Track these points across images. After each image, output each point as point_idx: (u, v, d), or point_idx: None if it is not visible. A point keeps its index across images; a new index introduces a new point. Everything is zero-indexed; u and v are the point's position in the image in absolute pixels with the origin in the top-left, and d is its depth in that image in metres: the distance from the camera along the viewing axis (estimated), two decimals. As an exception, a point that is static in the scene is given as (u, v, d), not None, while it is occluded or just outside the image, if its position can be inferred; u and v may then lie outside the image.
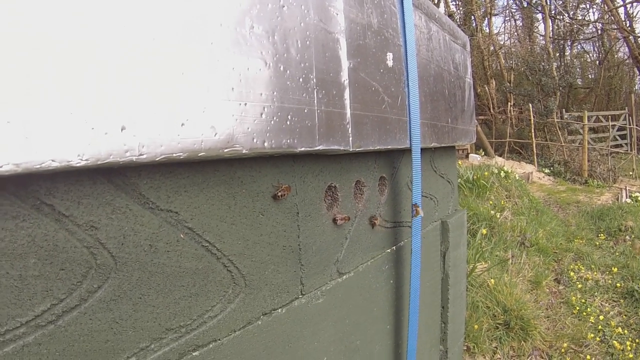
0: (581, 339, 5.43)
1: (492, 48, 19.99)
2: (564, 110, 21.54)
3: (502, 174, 10.75)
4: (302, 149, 0.98)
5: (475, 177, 9.72)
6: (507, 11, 27.78)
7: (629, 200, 13.92)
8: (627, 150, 21.99)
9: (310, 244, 1.12)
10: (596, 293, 6.83)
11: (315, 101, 0.96)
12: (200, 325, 0.91)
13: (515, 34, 27.23)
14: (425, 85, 1.41)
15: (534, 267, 7.04)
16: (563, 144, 17.89)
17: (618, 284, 6.99)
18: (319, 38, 0.99)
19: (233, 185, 0.96)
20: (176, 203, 0.85)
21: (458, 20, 22.14)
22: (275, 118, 0.89)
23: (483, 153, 17.22)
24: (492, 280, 5.54)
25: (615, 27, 26.57)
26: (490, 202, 9.28)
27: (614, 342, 5.34)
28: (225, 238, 0.95)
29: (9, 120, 0.56)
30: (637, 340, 5.46)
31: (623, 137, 23.74)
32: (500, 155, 17.72)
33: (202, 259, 0.89)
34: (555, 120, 18.65)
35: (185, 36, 0.77)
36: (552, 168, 17.04)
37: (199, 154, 0.79)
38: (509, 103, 19.44)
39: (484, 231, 6.94)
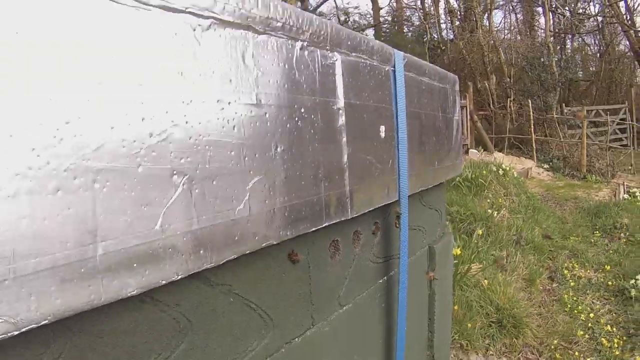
0: (571, 336, 5.71)
1: (492, 42, 20.17)
2: (563, 104, 21.78)
3: (501, 171, 10.99)
4: (314, 228, 1.26)
5: (473, 175, 9.97)
6: (508, 5, 27.89)
7: (626, 196, 14.16)
8: (626, 144, 22.27)
9: (318, 288, 1.40)
10: (588, 291, 7.11)
11: (322, 190, 1.24)
12: (244, 357, 1.22)
13: (516, 28, 27.37)
14: (414, 137, 1.69)
15: (529, 266, 7.30)
16: (562, 140, 18.13)
17: (610, 283, 7.26)
18: (325, 138, 1.27)
19: (267, 259, 1.26)
20: (227, 278, 1.15)
21: (459, 16, 22.36)
22: (295, 212, 1.18)
23: (482, 149, 17.45)
24: (486, 280, 5.83)
25: (616, 21, 26.80)
26: (488, 201, 9.53)
27: (603, 339, 5.61)
28: (260, 295, 1.24)
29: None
30: (624, 338, 5.73)
31: (623, 130, 23.98)
32: (500, 151, 17.98)
33: (245, 313, 1.19)
34: (555, 116, 18.87)
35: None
36: (551, 163, 17.31)
37: (247, 251, 1.09)
38: (509, 98, 19.65)
39: (480, 232, 7.20)
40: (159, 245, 0.87)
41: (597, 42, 31.93)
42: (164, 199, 0.88)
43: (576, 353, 5.37)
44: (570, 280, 7.37)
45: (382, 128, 1.46)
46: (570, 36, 29.41)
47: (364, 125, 1.38)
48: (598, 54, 31.19)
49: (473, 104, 18.13)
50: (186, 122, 0.93)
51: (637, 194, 14.41)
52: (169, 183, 0.90)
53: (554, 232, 9.41)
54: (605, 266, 7.90)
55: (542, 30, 24.27)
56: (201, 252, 0.96)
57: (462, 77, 21.36)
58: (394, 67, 1.53)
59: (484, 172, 10.27)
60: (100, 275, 0.80)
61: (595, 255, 8.53)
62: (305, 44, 1.22)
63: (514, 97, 20.00)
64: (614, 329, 5.96)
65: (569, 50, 28.81)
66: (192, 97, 0.94)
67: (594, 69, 31.67)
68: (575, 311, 6.37)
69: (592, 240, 9.48)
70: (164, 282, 0.89)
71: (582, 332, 5.80)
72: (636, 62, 29.13)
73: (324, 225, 1.27)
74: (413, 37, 24.52)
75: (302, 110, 1.20)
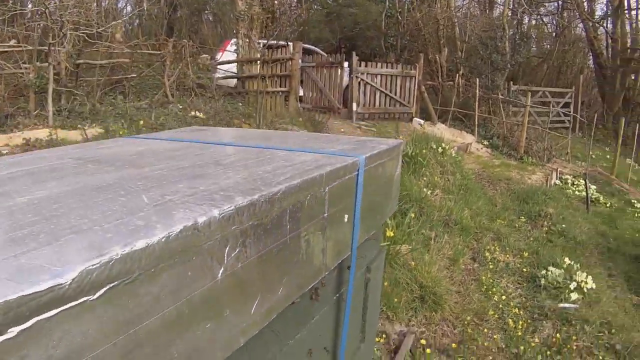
0: (483, 314, 6.61)
1: (449, 17, 20.93)
2: (511, 82, 22.75)
3: (440, 149, 11.75)
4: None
5: (413, 153, 10.72)
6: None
7: (558, 182, 15.25)
8: (568, 127, 23.44)
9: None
10: (504, 275, 8.02)
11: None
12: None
13: (474, 3, 28.05)
14: (365, 207, 2.47)
15: (454, 246, 8.15)
16: (504, 120, 19.10)
17: (524, 269, 8.21)
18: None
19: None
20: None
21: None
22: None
23: (426, 120, 18.32)
24: (413, 262, 6.68)
25: (575, 9, 27.91)
26: (425, 179, 10.28)
27: (510, 320, 6.53)
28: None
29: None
30: (528, 321, 6.69)
31: (568, 114, 25.17)
32: (443, 122, 18.87)
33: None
34: (500, 96, 19.83)
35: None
36: (491, 140, 18.24)
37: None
38: (458, 73, 20.50)
39: (413, 215, 7.96)
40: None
41: (554, 22, 32.98)
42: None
43: (485, 329, 6.27)
44: (490, 263, 8.21)
45: (346, 217, 2.25)
46: (528, 15, 30.43)
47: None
48: (554, 34, 32.20)
49: (422, 74, 18.91)
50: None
51: (569, 180, 15.54)
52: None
53: (482, 214, 10.23)
54: (524, 252, 8.83)
55: (501, 6, 25.09)
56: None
57: (415, 47, 22.22)
58: (358, 171, 2.30)
59: (424, 150, 10.98)
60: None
61: (516, 241, 9.42)
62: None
63: (463, 72, 20.85)
64: (521, 312, 6.90)
65: (525, 27, 29.67)
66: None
67: (548, 46, 32.70)
68: (490, 292, 7.23)
69: (517, 226, 10.37)
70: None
71: (493, 312, 6.69)
72: (590, 51, 30.40)
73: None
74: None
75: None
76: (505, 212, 10.98)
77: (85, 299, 0.99)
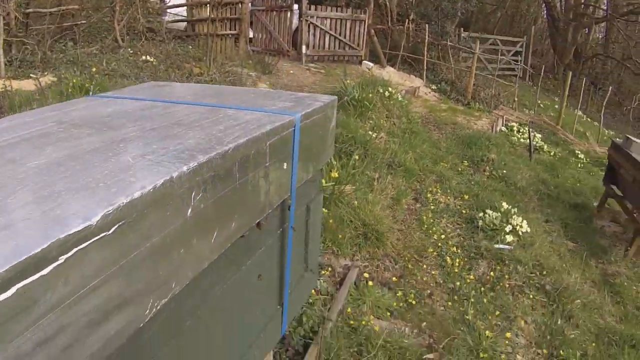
0: (423, 252, 6.96)
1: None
2: (462, 29, 23.11)
3: (387, 93, 11.99)
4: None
5: (360, 97, 10.95)
6: None
7: (504, 129, 15.71)
8: (516, 75, 23.99)
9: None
10: (444, 215, 8.37)
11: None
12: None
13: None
14: (302, 157, 2.83)
15: (397, 187, 8.47)
16: (453, 66, 19.47)
17: (464, 211, 8.58)
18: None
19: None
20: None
21: None
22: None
23: (374, 63, 18.60)
24: (356, 201, 6.99)
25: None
26: (371, 122, 10.54)
27: (447, 257, 6.91)
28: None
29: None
30: (465, 260, 7.08)
31: (517, 61, 25.75)
32: (392, 66, 19.20)
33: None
34: (449, 44, 20.17)
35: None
36: (439, 85, 18.66)
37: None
38: (408, 18, 20.70)
39: (357, 157, 8.24)
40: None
41: None
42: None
43: (424, 266, 6.64)
44: (431, 204, 8.57)
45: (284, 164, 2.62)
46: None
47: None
48: None
49: (372, 18, 19.13)
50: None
51: (515, 128, 16.02)
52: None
53: (426, 157, 10.55)
54: (464, 195, 9.21)
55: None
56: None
57: (365, -10, 22.32)
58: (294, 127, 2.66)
59: (370, 94, 11.19)
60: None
61: (458, 184, 9.77)
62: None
63: (414, 17, 21.05)
64: (459, 250, 7.27)
65: None
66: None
67: None
68: (430, 231, 7.58)
69: (460, 169, 10.73)
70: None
71: (432, 250, 7.05)
72: (543, 4, 30.88)
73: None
74: None
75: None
76: (449, 156, 11.32)
77: (104, 234, 1.43)
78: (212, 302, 2.31)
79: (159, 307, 1.76)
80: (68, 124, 2.38)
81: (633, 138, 9.85)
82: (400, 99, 12.63)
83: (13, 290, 1.18)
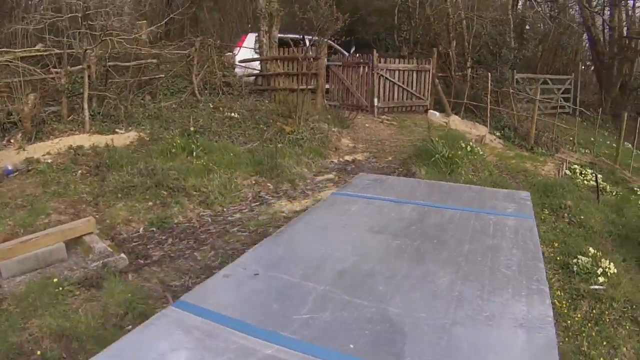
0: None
1: (459, 14, 22.64)
2: (514, 70, 24.67)
3: (469, 148, 13.48)
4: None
5: (449, 154, 12.41)
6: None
7: (568, 172, 17.21)
8: (568, 112, 25.45)
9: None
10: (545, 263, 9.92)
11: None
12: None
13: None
14: None
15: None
16: (515, 113, 20.97)
17: (558, 257, 10.05)
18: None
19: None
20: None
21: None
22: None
23: (438, 114, 20.24)
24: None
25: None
26: (462, 179, 11.89)
27: (555, 300, 8.34)
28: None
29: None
30: (569, 301, 8.67)
31: (567, 99, 27.29)
32: (456, 114, 20.76)
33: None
34: (510, 90, 21.73)
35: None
36: (502, 131, 20.09)
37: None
38: (468, 65, 22.36)
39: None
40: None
41: (549, 4, 34.27)
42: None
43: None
44: (528, 253, 10.12)
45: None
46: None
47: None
48: (549, 14, 33.53)
49: (435, 67, 20.83)
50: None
51: (577, 170, 17.55)
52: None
53: None
54: (554, 243, 10.64)
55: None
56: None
57: (427, 41, 24.16)
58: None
59: (459, 152, 12.73)
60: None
61: (545, 232, 11.11)
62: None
63: (472, 64, 22.70)
64: (562, 293, 8.78)
65: (520, 9, 31.20)
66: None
67: (542, 27, 34.06)
68: (534, 278, 9.19)
69: (542, 218, 12.05)
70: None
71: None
72: (585, 35, 32.34)
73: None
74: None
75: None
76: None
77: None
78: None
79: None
80: (378, 231, 3.86)
81: None
82: (480, 152, 14.12)
83: None
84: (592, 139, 22.11)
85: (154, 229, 9.21)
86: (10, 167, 11.01)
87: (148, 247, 8.58)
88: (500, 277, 3.29)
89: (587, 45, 34.13)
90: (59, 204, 9.71)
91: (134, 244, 8.69)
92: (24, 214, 9.21)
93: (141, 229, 9.19)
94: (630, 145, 22.20)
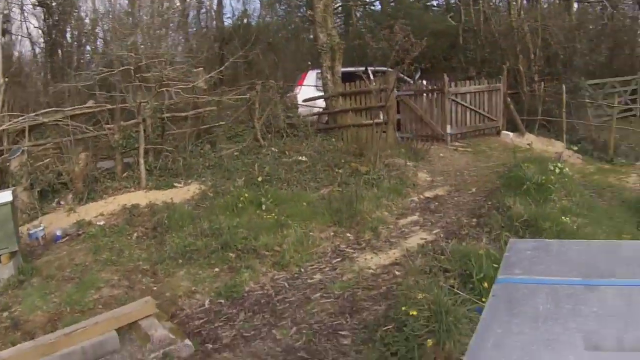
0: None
1: (521, 27, 21.40)
2: (582, 78, 23.20)
3: (557, 169, 12.11)
4: None
5: (540, 180, 11.13)
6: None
7: (654, 182, 15.69)
8: (635, 114, 23.92)
9: None
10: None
11: None
12: None
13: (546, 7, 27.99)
14: None
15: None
16: (592, 123, 19.58)
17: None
18: None
19: None
20: None
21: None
22: None
23: (512, 134, 18.87)
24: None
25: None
26: (558, 205, 10.55)
27: None
28: None
29: None
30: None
31: (634, 101, 25.58)
32: (530, 132, 19.40)
33: None
34: (587, 100, 20.33)
35: None
36: (579, 145, 18.65)
37: None
38: (537, 79, 21.00)
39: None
40: None
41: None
42: None
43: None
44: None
45: None
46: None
47: None
48: (602, 12, 31.77)
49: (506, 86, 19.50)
50: None
51: (660, 178, 16.02)
52: None
53: (611, 232, 10.43)
54: None
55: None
56: None
57: (494, 58, 22.84)
58: None
59: (552, 177, 11.38)
60: None
61: None
62: None
63: (542, 77, 21.34)
64: None
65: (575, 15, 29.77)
66: None
67: (595, 27, 32.32)
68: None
69: None
70: None
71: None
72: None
73: None
74: (438, 13, 25.73)
75: None
76: (624, 225, 11.13)
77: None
78: None
79: None
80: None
81: None
82: (570, 172, 12.81)
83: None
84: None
85: (222, 301, 7.84)
86: (59, 233, 10.30)
87: (216, 325, 7.21)
88: None
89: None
90: (111, 275, 8.66)
91: (199, 321, 7.35)
92: (71, 287, 8.23)
93: (207, 301, 7.89)
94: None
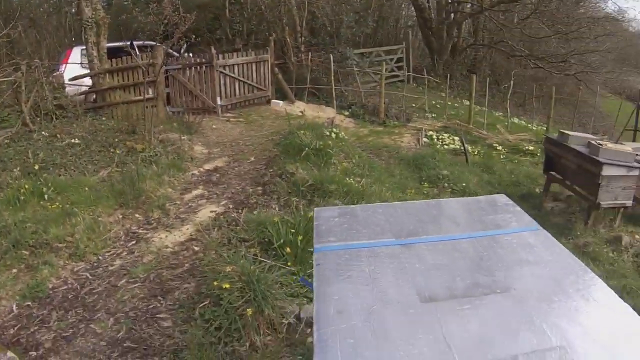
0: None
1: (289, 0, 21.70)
2: (349, 48, 24.10)
3: (333, 134, 12.55)
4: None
5: (319, 145, 11.36)
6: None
7: (426, 140, 16.73)
8: (402, 80, 25.29)
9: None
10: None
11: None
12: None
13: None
14: None
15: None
16: (362, 90, 20.44)
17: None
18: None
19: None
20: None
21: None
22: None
23: (281, 102, 19.36)
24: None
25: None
26: (339, 168, 10.90)
27: None
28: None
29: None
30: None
31: (400, 67, 27.15)
32: (299, 100, 20.01)
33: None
34: (355, 69, 21.15)
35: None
36: (350, 110, 19.56)
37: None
38: (303, 50, 21.55)
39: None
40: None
41: None
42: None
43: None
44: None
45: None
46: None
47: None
48: None
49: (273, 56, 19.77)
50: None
51: (434, 137, 17.12)
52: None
53: (394, 188, 11.02)
54: None
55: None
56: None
57: (261, 30, 23.14)
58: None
59: (329, 142, 11.71)
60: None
61: None
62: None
63: (309, 48, 21.91)
64: None
65: None
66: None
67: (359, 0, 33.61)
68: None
69: (425, 192, 11.44)
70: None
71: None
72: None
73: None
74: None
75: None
76: (407, 181, 12.07)
77: None
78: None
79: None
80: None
81: (567, 131, 11.20)
82: (346, 137, 13.23)
83: None
84: (432, 102, 22.10)
85: (29, 303, 7.05)
86: None
87: (32, 330, 6.47)
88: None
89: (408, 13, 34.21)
90: None
91: (13, 329, 6.54)
92: None
93: (14, 306, 7.01)
94: (467, 103, 22.13)
